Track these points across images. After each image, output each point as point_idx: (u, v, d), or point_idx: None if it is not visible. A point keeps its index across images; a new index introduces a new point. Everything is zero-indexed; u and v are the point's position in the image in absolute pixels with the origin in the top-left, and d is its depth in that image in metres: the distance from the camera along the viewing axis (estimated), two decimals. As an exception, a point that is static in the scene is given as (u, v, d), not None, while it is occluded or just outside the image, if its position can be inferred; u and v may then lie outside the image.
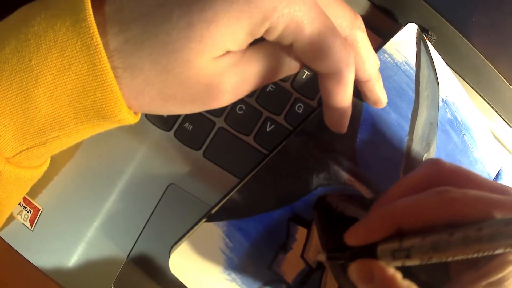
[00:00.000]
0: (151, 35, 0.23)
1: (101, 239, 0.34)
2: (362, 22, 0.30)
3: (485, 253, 0.22)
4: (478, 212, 0.23)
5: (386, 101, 0.34)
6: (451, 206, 0.24)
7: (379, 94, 0.33)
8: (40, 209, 0.34)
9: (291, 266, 0.33)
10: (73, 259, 0.34)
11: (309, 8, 0.24)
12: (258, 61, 0.26)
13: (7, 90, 0.23)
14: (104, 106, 0.24)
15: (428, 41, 0.39)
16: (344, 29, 0.29)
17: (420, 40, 0.39)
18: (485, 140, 0.41)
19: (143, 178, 0.35)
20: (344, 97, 0.28)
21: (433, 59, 0.39)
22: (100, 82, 0.23)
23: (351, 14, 0.29)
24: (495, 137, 0.44)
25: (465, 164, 0.39)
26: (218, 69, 0.24)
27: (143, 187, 0.34)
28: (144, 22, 0.23)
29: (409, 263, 0.24)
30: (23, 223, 0.34)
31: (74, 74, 0.23)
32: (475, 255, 0.22)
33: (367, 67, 0.31)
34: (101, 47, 0.22)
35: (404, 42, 0.38)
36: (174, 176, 0.35)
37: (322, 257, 0.30)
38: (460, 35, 0.41)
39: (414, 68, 0.38)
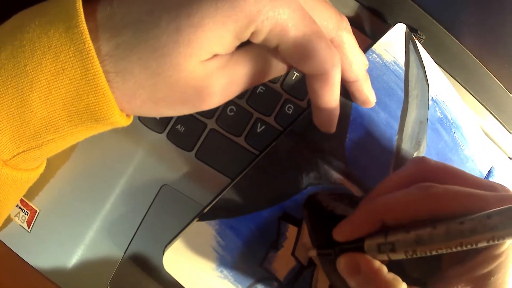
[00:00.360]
0: (141, 40, 0.24)
1: (97, 239, 0.35)
2: (348, 23, 0.31)
3: (468, 246, 0.22)
4: (460, 206, 0.24)
5: (375, 101, 0.35)
6: (434, 200, 0.25)
7: (367, 94, 0.34)
8: (37, 211, 0.34)
9: (282, 263, 0.33)
10: (69, 259, 0.34)
11: (294, 11, 0.25)
12: (245, 63, 0.27)
13: (3, 95, 0.23)
14: (97, 109, 0.24)
15: (417, 41, 0.40)
16: (330, 31, 0.29)
17: (409, 40, 0.39)
18: (476, 138, 0.41)
19: (137, 180, 0.35)
20: (331, 97, 0.29)
21: (422, 58, 0.40)
22: (93, 86, 0.23)
23: (336, 15, 0.30)
24: (486, 135, 0.45)
25: (456, 162, 0.40)
26: (206, 72, 0.25)
27: (137, 188, 0.35)
28: (135, 28, 0.24)
29: (394, 256, 0.25)
30: (20, 225, 0.34)
31: (68, 79, 0.23)
32: (458, 248, 0.23)
33: (354, 68, 0.31)
34: (93, 52, 0.23)
35: (393, 42, 0.39)
36: (167, 177, 0.35)
37: (312, 253, 0.31)
38: (449, 35, 0.41)
39: (403, 67, 0.39)
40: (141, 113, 0.27)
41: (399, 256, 0.25)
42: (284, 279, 0.33)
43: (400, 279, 0.25)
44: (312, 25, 0.26)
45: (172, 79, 0.24)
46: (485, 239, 0.22)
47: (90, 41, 0.23)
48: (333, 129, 0.32)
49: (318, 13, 0.28)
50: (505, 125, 0.47)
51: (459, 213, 0.24)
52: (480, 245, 0.22)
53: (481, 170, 0.41)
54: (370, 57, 0.37)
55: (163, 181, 0.35)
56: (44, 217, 0.34)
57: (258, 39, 0.25)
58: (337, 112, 0.31)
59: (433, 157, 0.39)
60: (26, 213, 0.34)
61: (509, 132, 0.47)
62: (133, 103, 0.25)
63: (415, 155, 0.38)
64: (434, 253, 0.23)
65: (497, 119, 0.46)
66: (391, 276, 0.25)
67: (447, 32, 0.41)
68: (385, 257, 0.25)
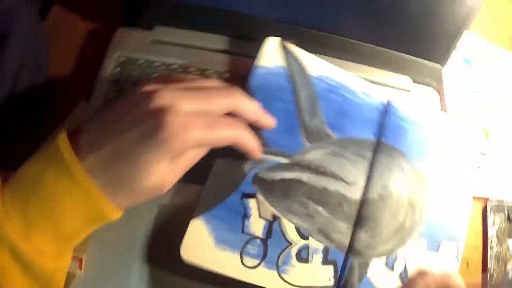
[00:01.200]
0: (121, 181, 0.35)
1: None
2: (238, 90, 0.39)
3: None
4: None
5: (274, 123, 0.44)
6: None
7: (270, 125, 0.44)
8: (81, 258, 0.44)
9: (256, 225, 0.43)
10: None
11: (200, 128, 0.35)
12: (186, 158, 0.37)
13: (44, 221, 0.34)
14: (103, 217, 0.36)
15: (287, 44, 0.48)
16: (230, 106, 0.38)
17: (282, 45, 0.48)
18: (361, 86, 0.50)
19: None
20: (251, 146, 0.40)
21: (297, 52, 0.48)
22: (100, 209, 0.35)
23: (228, 94, 0.38)
24: (381, 84, 0.56)
25: (354, 109, 0.49)
26: (159, 180, 0.36)
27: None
28: (115, 173, 0.35)
29: None
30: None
31: (82, 208, 0.35)
32: None
33: (254, 116, 0.41)
34: (94, 189, 0.34)
35: (270, 52, 0.48)
36: (160, 200, 0.47)
37: None
38: (315, 30, 0.54)
39: (285, 66, 0.47)
40: (127, 207, 0.37)
41: None
42: (262, 235, 0.43)
43: None
44: (215, 124, 0.36)
45: (141, 192, 0.36)
46: None
47: (90, 183, 0.34)
48: (259, 156, 0.43)
49: (214, 102, 0.37)
50: (387, 70, 0.58)
51: None
52: None
53: (382, 101, 0.50)
54: (257, 71, 0.46)
55: (158, 202, 0.47)
56: (89, 261, 0.45)
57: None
58: (258, 146, 0.41)
59: (334, 117, 0.48)
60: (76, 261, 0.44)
61: (393, 72, 0.58)
62: (121, 205, 0.36)
63: (316, 121, 0.47)
64: None
65: (381, 69, 0.58)
66: None
67: (313, 29, 0.54)
68: None
